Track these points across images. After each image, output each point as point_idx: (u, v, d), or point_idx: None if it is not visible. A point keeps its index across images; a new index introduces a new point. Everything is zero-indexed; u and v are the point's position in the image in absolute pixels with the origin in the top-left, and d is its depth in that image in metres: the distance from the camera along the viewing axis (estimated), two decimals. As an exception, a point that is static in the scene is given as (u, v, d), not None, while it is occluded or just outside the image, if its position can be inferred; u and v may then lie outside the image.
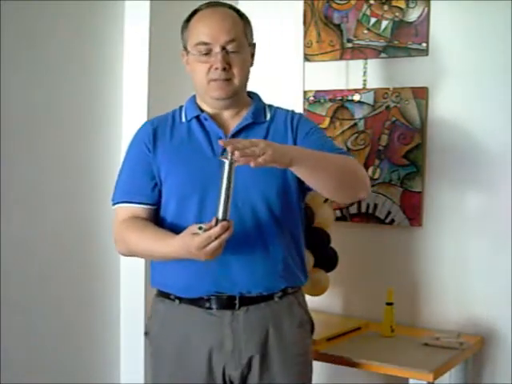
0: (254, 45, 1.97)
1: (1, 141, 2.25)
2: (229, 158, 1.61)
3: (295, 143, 1.92)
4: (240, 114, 1.95)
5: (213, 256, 1.70)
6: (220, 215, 1.65)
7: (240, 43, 1.87)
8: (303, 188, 1.94)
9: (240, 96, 1.93)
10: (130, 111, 2.66)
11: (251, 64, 1.96)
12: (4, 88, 2.25)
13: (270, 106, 2.00)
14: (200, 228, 1.68)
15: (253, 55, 1.96)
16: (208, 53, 1.85)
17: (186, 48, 1.92)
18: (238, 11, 1.93)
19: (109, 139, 2.64)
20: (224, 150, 1.68)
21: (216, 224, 1.65)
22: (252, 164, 1.60)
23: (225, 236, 1.66)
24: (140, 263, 2.58)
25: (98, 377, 2.64)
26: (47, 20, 2.40)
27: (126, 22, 2.65)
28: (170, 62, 2.65)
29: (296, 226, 1.96)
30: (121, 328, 2.70)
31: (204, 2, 1.93)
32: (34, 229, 2.39)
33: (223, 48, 1.84)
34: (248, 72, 1.94)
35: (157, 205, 1.92)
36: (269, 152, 1.60)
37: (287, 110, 2.01)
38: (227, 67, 1.85)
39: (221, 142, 1.63)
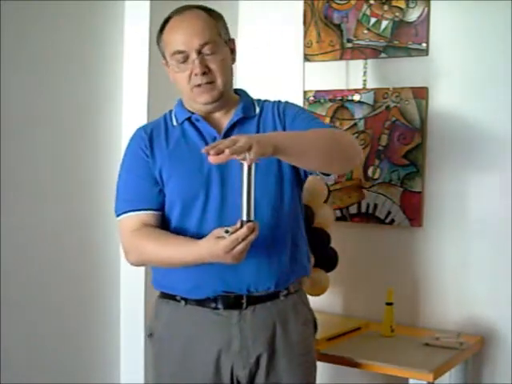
0: (232, 40, 1.93)
1: (0, 141, 2.25)
2: (247, 158, 1.60)
3: (283, 125, 1.91)
4: (230, 111, 1.94)
5: (239, 259, 1.70)
6: (244, 217, 1.64)
7: (215, 43, 1.84)
8: (299, 175, 1.94)
9: (227, 96, 1.91)
10: (130, 111, 2.66)
11: (233, 60, 1.93)
12: (4, 88, 2.25)
13: (258, 100, 1.99)
14: (226, 231, 1.67)
15: (233, 51, 1.93)
16: (185, 60, 1.84)
17: (165, 58, 1.92)
18: (208, 10, 1.89)
19: (109, 139, 2.64)
20: None
21: (241, 226, 1.65)
22: (247, 163, 1.58)
23: (251, 237, 1.66)
24: (140, 263, 2.59)
25: (98, 377, 2.64)
26: (47, 20, 2.40)
27: (126, 21, 2.65)
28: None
29: (296, 215, 1.95)
30: (121, 328, 2.70)
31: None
32: (34, 229, 2.39)
33: (199, 52, 1.83)
34: (230, 70, 1.92)
35: (162, 210, 1.90)
36: (254, 145, 1.56)
37: (274, 101, 1.99)
38: (207, 71, 1.83)
39: (203, 151, 1.57)
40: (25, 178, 2.35)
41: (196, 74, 1.83)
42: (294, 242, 1.93)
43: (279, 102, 1.99)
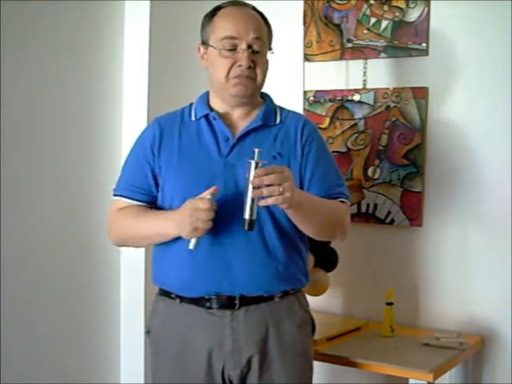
0: (271, 49, 1.97)
1: (1, 141, 2.25)
2: (255, 159, 1.65)
3: (302, 153, 1.93)
4: (250, 114, 1.94)
5: (197, 227, 1.72)
6: (247, 215, 1.71)
7: (264, 43, 1.89)
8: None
9: (255, 96, 1.94)
10: (130, 111, 2.66)
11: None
12: (4, 88, 2.25)
13: (282, 109, 1.99)
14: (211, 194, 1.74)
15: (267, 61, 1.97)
16: (233, 49, 1.85)
17: (204, 43, 1.92)
18: (261, 14, 1.94)
19: (109, 138, 2.64)
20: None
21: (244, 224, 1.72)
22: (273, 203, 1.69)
23: (209, 214, 1.72)
24: (140, 262, 2.59)
25: (98, 377, 2.64)
26: (47, 20, 2.40)
27: (126, 21, 2.65)
28: (170, 61, 2.66)
29: (298, 228, 1.95)
30: (121, 327, 2.71)
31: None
32: (33, 227, 2.39)
33: (249, 46, 1.85)
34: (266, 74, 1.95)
35: (154, 204, 1.93)
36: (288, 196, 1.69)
37: (299, 116, 2.01)
38: (252, 66, 1.85)
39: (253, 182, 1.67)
40: (25, 178, 2.35)
41: (240, 65, 1.84)
42: (293, 254, 1.93)
43: (306, 120, 2.00)
